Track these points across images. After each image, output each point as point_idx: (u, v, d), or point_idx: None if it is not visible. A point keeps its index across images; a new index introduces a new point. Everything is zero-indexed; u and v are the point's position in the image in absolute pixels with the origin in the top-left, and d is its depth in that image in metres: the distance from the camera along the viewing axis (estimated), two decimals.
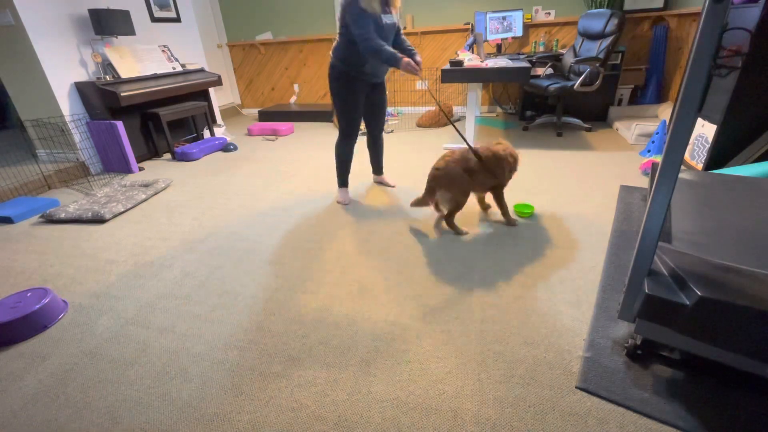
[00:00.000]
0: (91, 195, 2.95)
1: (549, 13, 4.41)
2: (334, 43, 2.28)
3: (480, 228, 2.21)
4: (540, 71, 4.10)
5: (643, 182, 2.67)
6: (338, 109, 2.39)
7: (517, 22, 4.26)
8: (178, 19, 4.39)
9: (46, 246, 2.32)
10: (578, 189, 2.63)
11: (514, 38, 4.55)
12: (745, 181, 1.84)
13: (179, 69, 4.07)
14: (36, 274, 2.05)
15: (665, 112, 3.84)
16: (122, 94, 3.30)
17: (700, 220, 1.51)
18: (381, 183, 2.94)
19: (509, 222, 2.21)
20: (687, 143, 0.95)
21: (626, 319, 1.22)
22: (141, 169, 3.65)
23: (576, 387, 1.23)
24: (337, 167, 2.60)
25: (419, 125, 4.63)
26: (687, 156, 2.82)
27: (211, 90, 4.66)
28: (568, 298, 1.61)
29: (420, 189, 2.24)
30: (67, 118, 3.35)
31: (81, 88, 3.39)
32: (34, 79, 3.21)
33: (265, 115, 5.34)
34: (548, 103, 4.34)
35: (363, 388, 1.27)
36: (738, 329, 1.01)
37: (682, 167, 2.12)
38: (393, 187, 2.87)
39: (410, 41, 2.70)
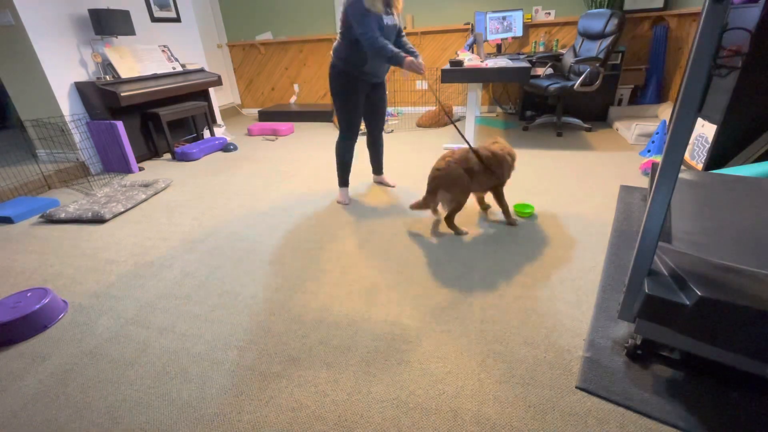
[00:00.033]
0: (91, 195, 2.95)
1: (549, 13, 4.41)
2: (335, 43, 2.29)
3: (480, 228, 2.21)
4: (540, 71, 4.10)
5: (643, 182, 2.67)
6: (338, 108, 2.39)
7: (517, 22, 4.26)
8: (178, 19, 4.39)
9: (46, 246, 2.32)
10: (578, 189, 2.63)
11: (514, 38, 4.55)
12: (745, 181, 1.84)
13: (179, 69, 4.07)
14: (36, 274, 2.05)
15: (665, 112, 3.84)
16: (122, 94, 3.30)
17: (700, 220, 1.51)
18: (381, 183, 2.94)
19: (510, 222, 2.21)
20: (687, 143, 0.95)
21: (626, 319, 1.22)
22: (141, 169, 3.65)
23: (576, 387, 1.23)
24: (338, 167, 2.61)
25: (419, 125, 4.63)
26: (687, 156, 2.82)
27: (211, 90, 4.66)
28: (568, 298, 1.61)
29: (420, 189, 2.24)
30: (67, 118, 3.35)
31: (81, 88, 3.39)
32: (34, 79, 3.22)
33: (265, 115, 5.34)
34: (548, 103, 4.34)
35: (363, 388, 1.27)
36: (738, 329, 1.01)
37: (682, 167, 2.11)
38: (393, 187, 2.87)
39: (410, 41, 2.70)
